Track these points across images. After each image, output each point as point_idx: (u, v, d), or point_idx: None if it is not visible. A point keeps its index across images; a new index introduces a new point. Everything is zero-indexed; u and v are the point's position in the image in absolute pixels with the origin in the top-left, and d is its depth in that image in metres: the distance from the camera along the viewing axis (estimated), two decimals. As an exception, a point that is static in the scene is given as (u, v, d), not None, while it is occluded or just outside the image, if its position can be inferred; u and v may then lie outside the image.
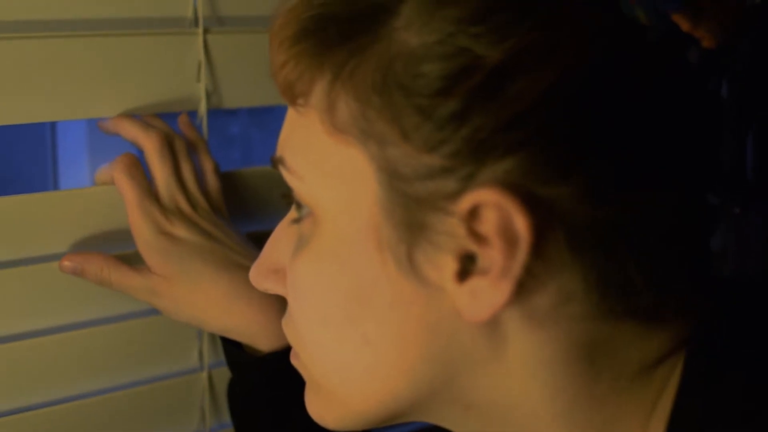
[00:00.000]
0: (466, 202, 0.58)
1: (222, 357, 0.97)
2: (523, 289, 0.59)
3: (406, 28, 0.60)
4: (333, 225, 0.63)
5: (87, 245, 0.92)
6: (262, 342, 0.91)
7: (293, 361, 0.72)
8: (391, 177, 0.60)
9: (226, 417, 1.02)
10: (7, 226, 0.89)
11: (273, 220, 1.01)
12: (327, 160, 0.63)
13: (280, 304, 0.90)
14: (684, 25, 0.59)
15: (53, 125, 1.14)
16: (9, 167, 1.16)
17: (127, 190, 0.90)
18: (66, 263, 0.89)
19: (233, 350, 0.93)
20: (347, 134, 0.61)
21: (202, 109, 0.98)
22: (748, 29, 0.70)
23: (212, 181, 0.96)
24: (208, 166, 0.96)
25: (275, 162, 0.67)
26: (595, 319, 0.61)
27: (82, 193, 0.94)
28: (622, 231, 0.59)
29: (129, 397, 0.97)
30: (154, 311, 0.95)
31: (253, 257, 0.90)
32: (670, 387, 0.63)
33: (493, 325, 0.61)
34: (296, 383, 0.87)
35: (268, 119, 1.25)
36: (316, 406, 0.70)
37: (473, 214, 0.58)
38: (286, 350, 0.88)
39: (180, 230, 0.90)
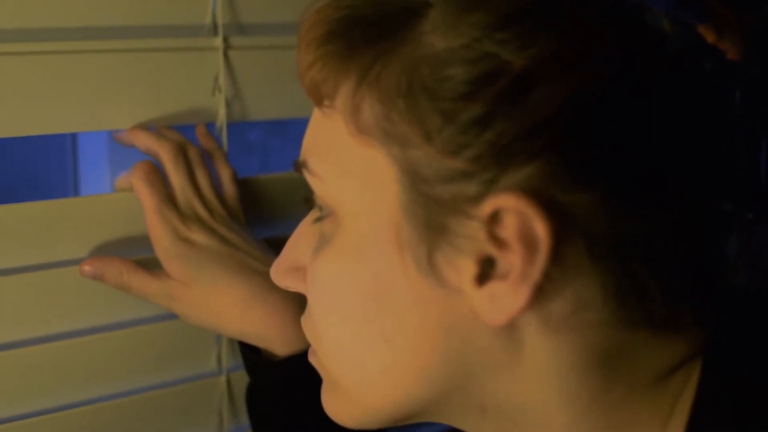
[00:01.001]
0: (487, 207, 0.58)
1: (240, 361, 0.98)
2: (541, 294, 0.59)
3: (433, 31, 0.60)
4: (354, 225, 0.64)
5: (107, 250, 0.94)
6: (279, 346, 0.92)
7: (311, 358, 0.72)
8: (413, 179, 0.60)
9: (244, 420, 1.03)
10: (30, 231, 0.90)
11: (290, 226, 1.02)
12: (350, 161, 0.63)
13: (296, 309, 0.91)
14: (710, 37, 0.58)
15: (74, 135, 1.15)
16: (31, 175, 1.17)
17: (146, 196, 0.91)
18: (86, 268, 0.91)
19: (250, 355, 0.94)
20: (371, 136, 0.62)
21: (221, 119, 1.00)
22: (763, 37, 0.71)
23: (229, 188, 0.97)
24: (225, 174, 0.98)
25: (298, 165, 0.68)
26: (612, 326, 0.61)
27: (102, 200, 0.95)
28: (640, 240, 0.59)
29: (149, 400, 0.98)
30: (173, 315, 0.95)
31: (270, 262, 0.91)
32: (686, 394, 0.63)
33: (510, 329, 0.61)
34: (313, 387, 0.88)
35: (287, 126, 1.26)
36: (332, 404, 0.71)
37: (494, 218, 0.58)
38: (302, 354, 0.89)
39: (197, 236, 0.91)
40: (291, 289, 0.72)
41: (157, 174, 0.93)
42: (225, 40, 0.98)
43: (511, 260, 0.59)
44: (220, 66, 0.98)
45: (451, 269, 0.60)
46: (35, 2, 0.88)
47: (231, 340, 1.01)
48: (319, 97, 0.65)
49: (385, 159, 0.62)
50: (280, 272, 0.73)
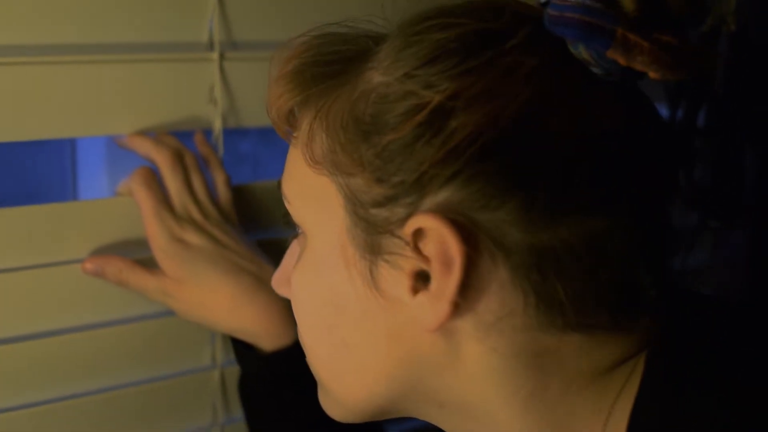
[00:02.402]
0: (409, 227, 0.64)
1: (233, 356, 1.02)
2: (468, 302, 0.64)
3: (376, 67, 0.66)
4: (314, 243, 0.70)
5: (107, 252, 0.97)
6: (266, 342, 0.97)
7: (307, 360, 0.77)
8: (354, 204, 0.66)
9: (237, 412, 1.07)
10: (33, 233, 0.93)
11: (279, 230, 1.07)
12: (308, 188, 0.70)
13: (282, 308, 0.96)
14: (620, 60, 0.62)
15: (73, 141, 1.17)
16: (31, 179, 1.19)
17: (143, 200, 0.95)
18: (88, 265, 0.94)
19: (241, 348, 0.98)
20: (322, 166, 0.68)
21: (217, 128, 1.03)
22: (722, 58, 0.73)
23: (223, 192, 1.01)
24: (219, 179, 1.02)
25: (279, 186, 0.75)
26: (538, 331, 0.65)
27: (103, 204, 0.99)
28: (555, 255, 0.63)
29: (146, 393, 1.01)
30: (170, 313, 0.99)
31: (260, 263, 0.96)
32: (628, 389, 0.67)
33: (447, 334, 0.66)
34: (298, 380, 0.92)
35: (276, 139, 1.29)
36: (321, 400, 0.77)
37: (418, 237, 0.64)
38: (288, 350, 0.94)
39: (191, 237, 0.95)
40: (287, 297, 0.77)
41: (154, 179, 0.97)
42: (221, 57, 1.01)
43: (434, 275, 0.64)
44: (215, 76, 1.01)
45: (390, 282, 0.66)
46: (53, 20, 0.92)
47: (225, 337, 1.04)
48: (283, 128, 0.72)
49: (333, 186, 0.68)
50: (277, 283, 0.79)
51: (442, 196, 0.63)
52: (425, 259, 0.64)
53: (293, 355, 0.96)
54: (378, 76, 0.65)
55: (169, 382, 1.03)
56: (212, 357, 1.06)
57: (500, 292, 0.64)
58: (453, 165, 0.62)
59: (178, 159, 0.98)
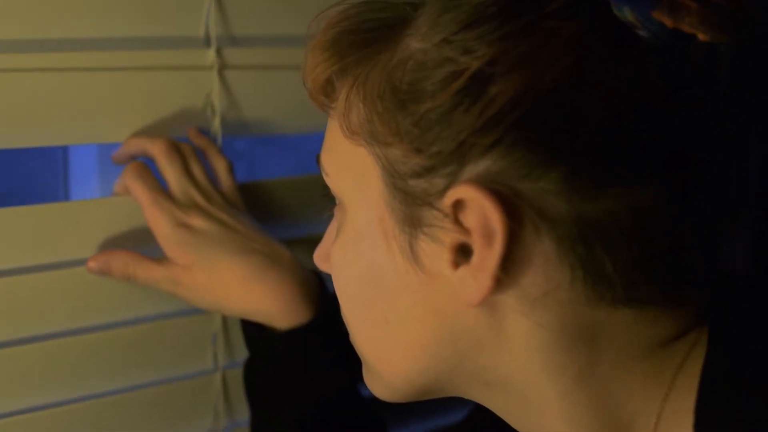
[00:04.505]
0: (449, 199, 0.63)
1: (236, 358, 1.02)
2: (512, 276, 0.63)
3: (414, 34, 0.65)
4: (352, 216, 0.69)
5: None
6: (280, 321, 0.95)
7: (351, 339, 0.76)
8: (392, 175, 0.65)
9: (239, 416, 1.06)
10: (29, 234, 0.92)
11: (276, 229, 1.05)
12: (346, 159, 0.69)
13: (295, 285, 0.94)
14: (666, 21, 0.61)
15: (65, 146, 1.17)
16: (22, 183, 1.18)
17: (140, 192, 0.94)
18: (92, 264, 0.93)
19: (251, 328, 0.96)
20: (359, 136, 0.67)
21: (215, 131, 1.02)
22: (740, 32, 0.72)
23: (226, 178, 1.00)
24: (221, 166, 1.00)
25: (317, 160, 0.73)
26: (586, 306, 0.64)
27: (100, 203, 0.97)
28: (600, 227, 0.62)
29: (148, 396, 0.99)
30: (171, 315, 0.98)
31: (269, 242, 0.95)
32: (691, 363, 0.66)
33: (491, 308, 0.65)
34: (310, 360, 0.91)
35: (272, 138, 1.28)
36: (366, 377, 0.76)
37: (457, 209, 0.63)
38: (303, 328, 0.93)
39: (196, 221, 0.94)
40: (329, 273, 0.76)
41: (148, 170, 0.95)
42: (218, 53, 1.00)
43: (475, 248, 0.63)
44: (214, 81, 1.00)
45: (430, 256, 0.65)
46: (21, 15, 0.89)
47: (227, 339, 1.04)
48: (320, 98, 0.70)
49: (370, 157, 0.67)
50: (319, 259, 0.78)
51: (482, 165, 0.62)
52: (466, 231, 0.63)
53: (308, 334, 0.95)
54: (416, 42, 0.64)
55: (170, 386, 1.02)
56: (214, 359, 1.05)
57: (545, 266, 0.63)
58: (493, 133, 0.61)
59: (174, 147, 0.97)
